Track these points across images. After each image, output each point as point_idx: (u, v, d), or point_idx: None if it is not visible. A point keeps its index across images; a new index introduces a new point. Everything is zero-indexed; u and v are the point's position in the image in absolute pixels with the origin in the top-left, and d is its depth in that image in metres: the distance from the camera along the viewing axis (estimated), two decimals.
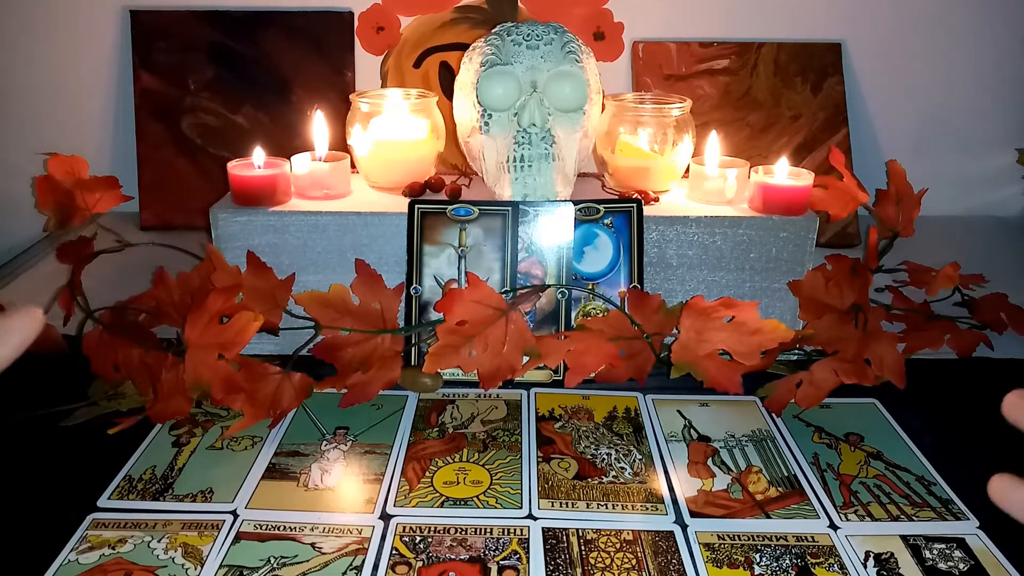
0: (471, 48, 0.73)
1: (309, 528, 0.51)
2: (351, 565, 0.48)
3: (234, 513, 0.52)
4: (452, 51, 1.04)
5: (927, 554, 0.50)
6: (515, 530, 0.51)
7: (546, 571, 0.47)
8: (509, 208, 0.69)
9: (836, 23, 1.09)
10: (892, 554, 0.50)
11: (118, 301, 0.69)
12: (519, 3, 1.05)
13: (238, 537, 0.50)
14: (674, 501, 0.54)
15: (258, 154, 0.72)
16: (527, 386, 0.68)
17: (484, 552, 0.49)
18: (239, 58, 1.05)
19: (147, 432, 0.61)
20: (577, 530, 0.51)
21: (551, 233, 0.69)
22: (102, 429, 0.59)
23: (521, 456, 0.59)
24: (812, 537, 0.51)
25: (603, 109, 0.79)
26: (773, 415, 0.65)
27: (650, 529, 0.52)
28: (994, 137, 1.15)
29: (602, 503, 0.54)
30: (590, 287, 0.69)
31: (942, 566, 0.49)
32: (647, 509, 0.53)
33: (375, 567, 0.48)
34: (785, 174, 0.73)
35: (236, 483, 0.55)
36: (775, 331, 0.62)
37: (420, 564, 0.48)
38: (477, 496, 0.54)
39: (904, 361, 0.64)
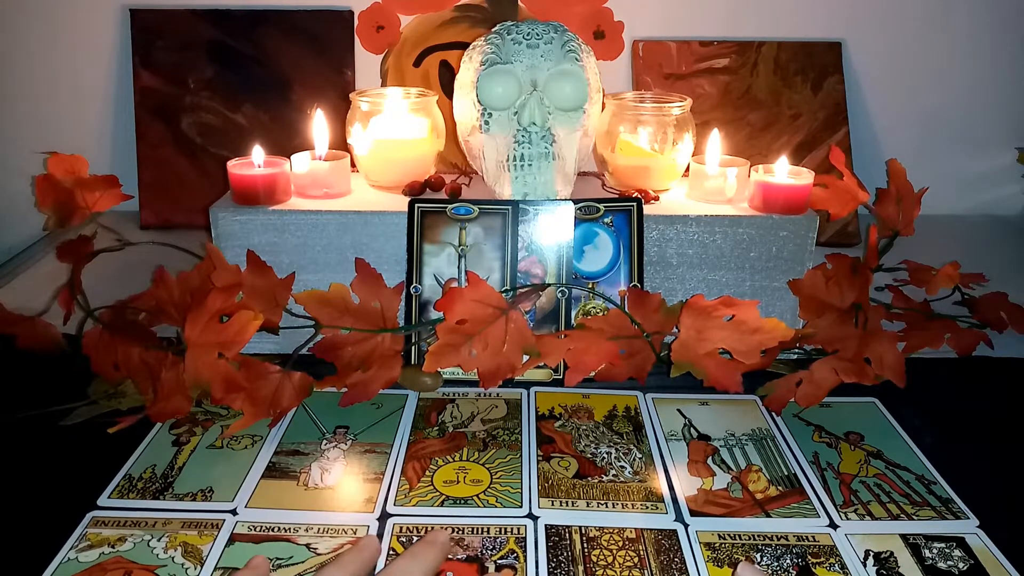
0: (471, 47, 0.73)
1: (304, 529, 0.51)
2: None
3: (234, 512, 0.52)
4: (452, 50, 1.04)
5: (927, 553, 0.50)
6: (512, 529, 0.51)
7: (548, 568, 0.48)
8: (509, 207, 0.69)
9: (836, 22, 1.09)
10: (892, 553, 0.50)
11: (118, 300, 0.69)
12: (519, 2, 1.05)
13: (232, 539, 0.50)
14: (674, 500, 0.54)
15: (258, 153, 0.72)
16: (527, 385, 0.68)
17: (481, 551, 0.49)
18: (239, 57, 1.05)
19: (147, 431, 0.61)
20: (580, 528, 0.51)
21: (551, 232, 0.69)
22: (102, 428, 0.59)
23: (521, 455, 0.59)
24: (812, 536, 0.51)
25: (603, 108, 0.79)
26: (773, 414, 0.65)
27: (650, 528, 0.52)
28: (994, 136, 1.15)
29: (602, 502, 0.54)
30: (590, 286, 0.69)
31: (942, 565, 0.49)
32: (647, 508, 0.53)
33: (374, 567, 0.48)
34: (785, 173, 0.73)
35: (236, 482, 0.55)
36: (775, 330, 0.62)
37: None
38: (477, 495, 0.54)
39: (904, 360, 0.64)
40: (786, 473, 0.58)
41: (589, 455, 0.59)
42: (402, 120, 0.78)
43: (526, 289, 0.68)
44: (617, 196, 0.74)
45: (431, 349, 0.62)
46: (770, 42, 1.08)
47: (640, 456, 0.59)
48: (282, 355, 0.65)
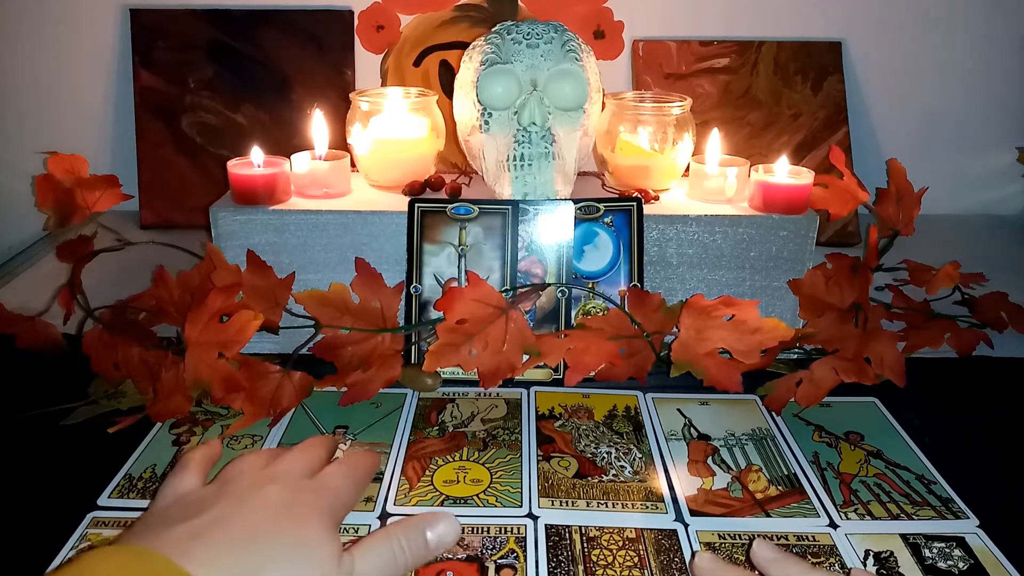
0: (471, 47, 0.73)
1: None
2: None
3: None
4: (452, 50, 1.04)
5: (927, 553, 0.50)
6: (513, 529, 0.51)
7: (548, 568, 0.48)
8: (509, 207, 0.69)
9: (836, 22, 1.09)
10: (892, 553, 0.50)
11: (118, 300, 0.69)
12: (519, 2, 1.05)
13: None
14: (674, 500, 0.54)
15: (257, 153, 0.72)
16: (527, 385, 0.68)
17: (481, 551, 0.49)
18: (239, 57, 1.05)
19: (147, 431, 0.61)
20: (580, 527, 0.51)
21: (551, 232, 0.69)
22: (102, 428, 0.59)
23: (521, 455, 0.59)
24: (812, 536, 0.51)
25: (603, 108, 0.79)
26: (773, 414, 0.65)
27: (650, 528, 0.52)
28: (994, 136, 1.15)
29: (602, 502, 0.54)
30: (590, 286, 0.69)
31: (941, 565, 0.49)
32: (647, 508, 0.53)
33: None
34: (785, 173, 0.73)
35: None
36: (775, 330, 0.62)
37: None
38: (477, 495, 0.54)
39: (904, 360, 0.64)
40: (786, 473, 0.58)
41: (589, 455, 0.59)
42: (402, 120, 0.78)
43: (526, 289, 0.68)
44: (617, 196, 0.74)
45: (431, 349, 0.62)
46: (770, 42, 1.08)
47: (640, 456, 0.59)
48: (282, 355, 0.66)
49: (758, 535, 0.51)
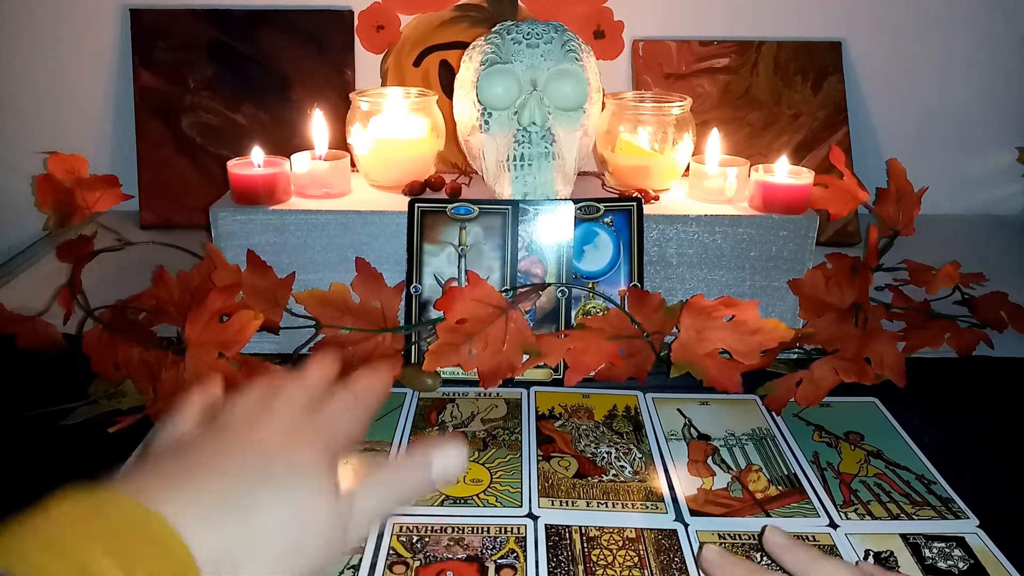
0: (471, 47, 0.73)
1: None
2: (348, 564, 0.48)
3: None
4: (452, 50, 1.04)
5: (927, 553, 0.50)
6: (513, 529, 0.51)
7: (548, 568, 0.48)
8: (509, 207, 0.69)
9: (836, 22, 1.09)
10: (892, 553, 0.50)
11: (118, 300, 0.69)
12: (519, 2, 1.05)
13: None
14: (674, 500, 0.54)
15: (258, 153, 0.72)
16: (527, 384, 0.68)
17: (481, 551, 0.49)
18: (239, 57, 1.05)
19: (147, 431, 0.61)
20: (580, 527, 0.51)
21: (551, 232, 0.69)
22: (102, 428, 0.59)
23: (521, 455, 0.59)
24: (812, 536, 0.51)
25: (603, 108, 0.79)
26: (773, 414, 0.65)
27: (650, 528, 0.52)
28: (994, 136, 1.15)
29: (602, 501, 0.54)
30: (590, 286, 0.69)
31: (941, 565, 0.49)
32: (647, 508, 0.53)
33: (372, 567, 0.48)
34: (785, 173, 0.73)
35: None
36: (775, 330, 0.62)
37: (417, 563, 0.48)
38: (477, 495, 0.54)
39: (904, 360, 0.64)
40: (786, 473, 0.58)
41: (589, 455, 0.59)
42: (402, 120, 0.78)
43: (526, 289, 0.68)
44: (617, 196, 0.74)
45: (431, 349, 0.62)
46: (770, 42, 1.08)
47: (640, 456, 0.59)
48: (282, 355, 0.66)
49: (758, 535, 0.51)
